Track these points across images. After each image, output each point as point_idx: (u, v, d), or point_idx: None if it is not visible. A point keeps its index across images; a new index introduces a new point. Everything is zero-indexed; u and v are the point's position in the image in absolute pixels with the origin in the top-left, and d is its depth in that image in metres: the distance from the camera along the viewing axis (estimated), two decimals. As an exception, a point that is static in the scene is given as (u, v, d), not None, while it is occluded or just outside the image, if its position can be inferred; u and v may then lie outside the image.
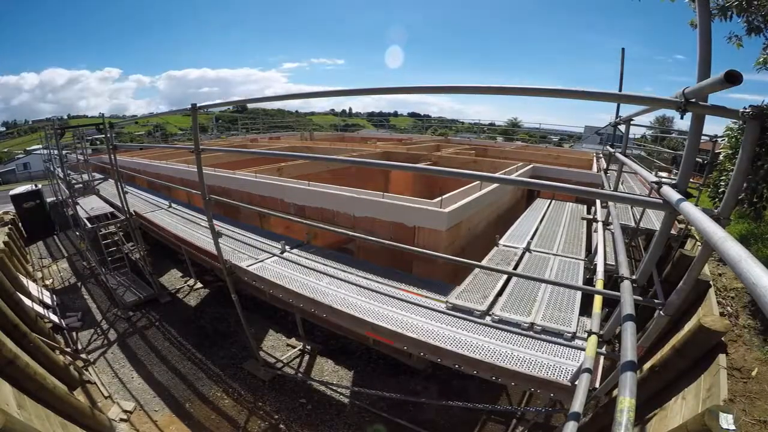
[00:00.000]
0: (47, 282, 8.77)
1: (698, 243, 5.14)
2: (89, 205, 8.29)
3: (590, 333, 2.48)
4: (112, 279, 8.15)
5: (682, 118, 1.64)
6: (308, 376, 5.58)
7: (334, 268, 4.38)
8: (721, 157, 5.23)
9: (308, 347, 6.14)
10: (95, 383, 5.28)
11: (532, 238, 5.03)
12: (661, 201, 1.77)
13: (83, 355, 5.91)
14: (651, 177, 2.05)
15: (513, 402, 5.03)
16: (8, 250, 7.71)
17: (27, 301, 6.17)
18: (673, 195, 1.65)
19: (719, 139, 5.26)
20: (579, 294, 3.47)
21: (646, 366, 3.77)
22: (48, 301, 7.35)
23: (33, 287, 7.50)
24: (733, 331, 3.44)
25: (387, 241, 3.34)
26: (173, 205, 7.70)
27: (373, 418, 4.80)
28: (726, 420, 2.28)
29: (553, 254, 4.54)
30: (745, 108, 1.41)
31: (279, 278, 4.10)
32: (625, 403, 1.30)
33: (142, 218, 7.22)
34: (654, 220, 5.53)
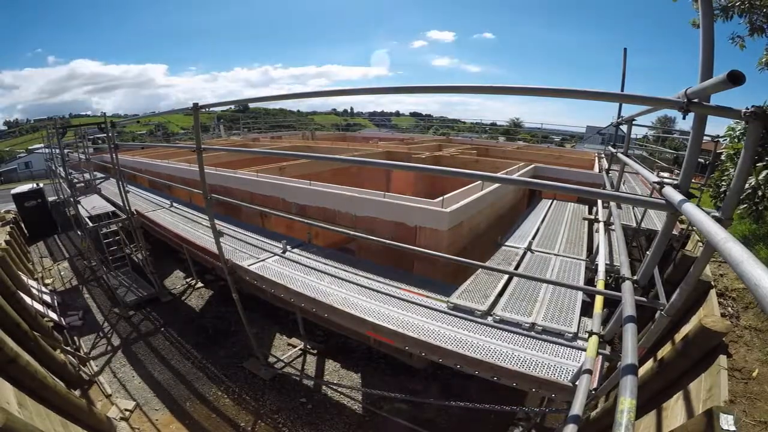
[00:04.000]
0: (48, 281, 8.78)
1: (700, 243, 5.12)
2: (91, 204, 8.30)
3: (591, 333, 2.48)
4: (113, 278, 8.17)
5: (684, 118, 1.63)
6: (309, 376, 5.58)
7: (336, 267, 4.38)
8: (722, 157, 5.22)
9: (309, 347, 6.14)
10: (95, 382, 5.29)
11: (533, 238, 5.02)
12: (663, 201, 1.77)
13: (84, 354, 5.92)
14: (653, 177, 2.04)
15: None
16: (10, 249, 7.73)
17: (28, 300, 6.18)
18: (675, 195, 1.65)
19: (720, 140, 5.25)
20: (580, 294, 3.47)
21: (647, 366, 3.77)
22: (48, 299, 7.36)
23: (34, 286, 7.51)
24: (734, 332, 3.44)
25: (388, 241, 3.34)
26: (175, 204, 7.71)
27: (374, 417, 4.80)
28: (726, 421, 2.28)
29: (555, 254, 4.54)
30: (747, 108, 1.40)
31: (280, 278, 4.11)
32: (626, 403, 1.30)
33: (144, 217, 7.23)
34: (655, 220, 5.52)
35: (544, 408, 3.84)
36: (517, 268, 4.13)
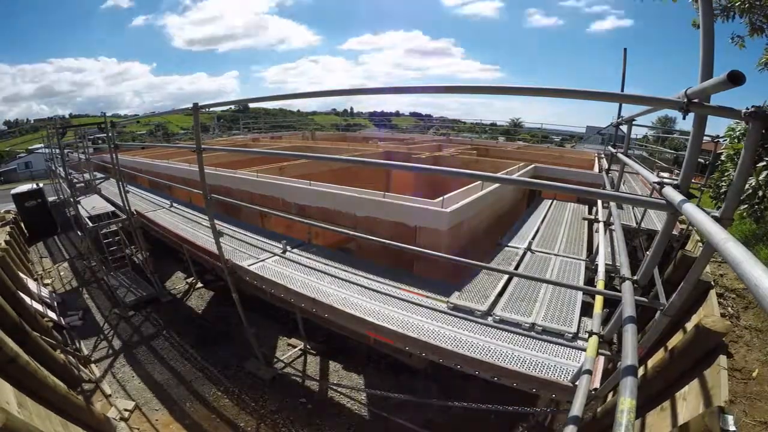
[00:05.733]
0: (47, 282, 8.78)
1: (700, 243, 5.13)
2: (91, 205, 8.31)
3: (591, 333, 2.48)
4: (113, 278, 8.16)
5: (684, 118, 1.63)
6: (309, 376, 5.58)
7: (336, 267, 4.38)
8: (722, 158, 5.22)
9: (309, 347, 6.14)
10: (95, 382, 5.29)
11: (533, 238, 5.02)
12: (663, 201, 1.77)
13: (83, 354, 5.92)
14: (653, 177, 2.04)
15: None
16: (10, 249, 7.73)
17: (28, 300, 6.18)
18: (675, 196, 1.65)
19: (720, 140, 5.25)
20: (580, 294, 3.47)
21: (647, 366, 3.77)
22: (48, 299, 7.36)
23: (34, 286, 7.51)
24: (734, 332, 3.44)
25: (388, 241, 3.34)
26: (175, 204, 7.71)
27: (374, 417, 4.80)
28: (726, 421, 2.28)
29: (555, 254, 4.54)
30: (747, 108, 1.40)
31: (280, 278, 4.10)
32: (626, 403, 1.30)
33: (144, 217, 7.23)
34: (655, 220, 5.52)
35: (545, 408, 3.84)
36: (517, 268, 4.13)
